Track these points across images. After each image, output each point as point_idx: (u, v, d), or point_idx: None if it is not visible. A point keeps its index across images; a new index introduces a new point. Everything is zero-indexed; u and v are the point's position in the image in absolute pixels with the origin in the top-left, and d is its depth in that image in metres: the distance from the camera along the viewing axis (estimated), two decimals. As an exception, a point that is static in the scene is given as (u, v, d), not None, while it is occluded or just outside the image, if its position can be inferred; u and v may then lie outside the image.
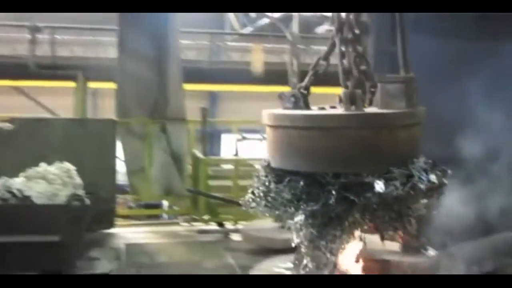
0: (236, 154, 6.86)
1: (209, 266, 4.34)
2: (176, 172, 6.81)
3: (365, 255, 3.26)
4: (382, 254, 3.36)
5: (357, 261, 3.23)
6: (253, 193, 3.06)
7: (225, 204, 6.44)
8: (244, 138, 6.83)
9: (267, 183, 2.97)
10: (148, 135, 6.61)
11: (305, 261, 3.00)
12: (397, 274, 2.84)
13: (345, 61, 2.95)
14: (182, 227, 6.47)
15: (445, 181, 2.90)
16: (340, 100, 2.87)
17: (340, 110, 2.87)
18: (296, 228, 2.94)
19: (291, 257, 3.80)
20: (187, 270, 4.19)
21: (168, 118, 6.82)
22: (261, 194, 2.99)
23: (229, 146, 7.83)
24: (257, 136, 6.85)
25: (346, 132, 2.78)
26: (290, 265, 3.70)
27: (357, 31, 2.99)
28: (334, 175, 2.79)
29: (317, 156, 2.82)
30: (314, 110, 3.03)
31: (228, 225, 6.26)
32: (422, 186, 2.75)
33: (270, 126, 3.00)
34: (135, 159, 6.75)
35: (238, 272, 4.12)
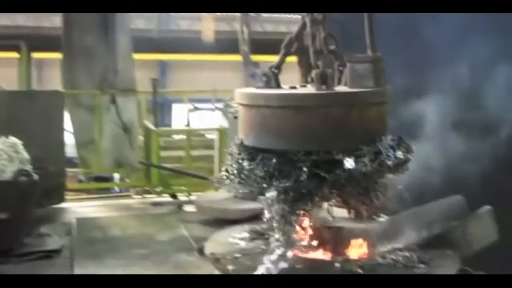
0: (188, 125, 6.80)
1: (163, 238, 4.33)
2: (127, 144, 6.72)
3: (320, 223, 3.33)
4: (335, 222, 3.43)
5: (312, 228, 3.29)
6: (227, 170, 3.12)
7: (178, 175, 6.42)
8: (195, 108, 6.78)
9: (240, 161, 3.06)
10: (97, 106, 6.47)
11: (276, 236, 3.07)
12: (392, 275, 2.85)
13: (316, 42, 3.02)
14: (135, 200, 6.43)
15: (410, 156, 3.00)
16: (312, 80, 2.95)
17: (311, 89, 2.95)
18: (267, 204, 3.01)
19: (246, 227, 3.84)
20: (140, 243, 4.17)
21: (117, 89, 6.68)
22: (235, 172, 3.07)
23: (181, 116, 7.75)
24: (209, 106, 6.81)
25: (317, 111, 2.88)
26: (246, 235, 3.73)
27: (321, 16, 3.05)
28: (306, 153, 2.89)
29: (289, 135, 2.92)
30: (286, 89, 3.11)
31: (182, 197, 6.26)
32: (389, 163, 2.85)
33: (244, 105, 3.07)
34: (84, 131, 6.62)
35: (193, 243, 4.12)
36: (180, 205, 5.51)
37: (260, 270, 3.17)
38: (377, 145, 2.89)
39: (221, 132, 6.54)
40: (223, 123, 6.69)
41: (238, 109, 3.18)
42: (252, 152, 3.04)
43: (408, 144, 3.02)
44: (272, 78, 3.16)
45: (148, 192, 6.55)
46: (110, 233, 4.52)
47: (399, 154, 2.92)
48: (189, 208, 5.29)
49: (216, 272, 3.43)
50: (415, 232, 3.36)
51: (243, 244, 3.62)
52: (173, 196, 6.15)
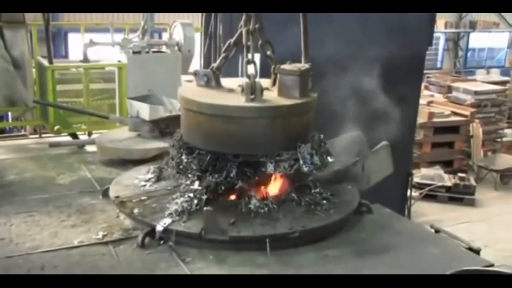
0: (85, 60, 6.56)
1: (64, 181, 4.25)
2: (19, 81, 6.39)
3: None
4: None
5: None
6: (168, 161, 3.60)
7: (76, 113, 6.24)
8: (92, 42, 6.52)
9: (179, 154, 3.48)
10: (-18, 41, 6.06)
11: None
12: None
13: (249, 54, 3.39)
14: (31, 140, 6.21)
15: (329, 159, 3.43)
16: (242, 90, 3.31)
17: (241, 99, 3.32)
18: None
19: (151, 168, 3.85)
20: (40, 187, 4.08)
21: (3, 20, 6.28)
22: (174, 163, 3.50)
23: (78, 47, 7.44)
24: (107, 40, 6.57)
25: (244, 120, 3.31)
26: (150, 176, 3.76)
27: (258, 25, 3.43)
28: (234, 155, 3.32)
29: (219, 139, 3.33)
30: (222, 93, 3.51)
31: (82, 136, 6.11)
32: (305, 169, 3.27)
33: (183, 106, 3.51)
34: (-30, 69, 6.21)
35: (96, 186, 4.09)
36: (80, 145, 5.39)
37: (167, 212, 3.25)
38: (296, 152, 3.28)
39: (120, 67, 6.38)
40: (122, 58, 6.51)
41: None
42: (190, 147, 3.44)
43: (328, 149, 3.43)
44: (213, 78, 3.58)
45: (46, 132, 6.34)
46: (5, 177, 4.36)
47: (316, 160, 3.31)
48: (90, 148, 5.19)
49: (121, 216, 3.45)
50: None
51: (148, 186, 3.67)
52: (73, 135, 5.99)
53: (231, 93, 3.47)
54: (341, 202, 3.46)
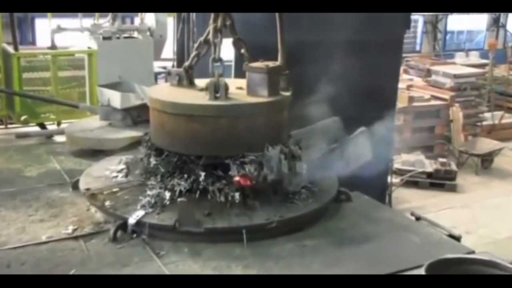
0: (53, 46, 6.45)
1: (32, 173, 4.17)
2: (-17, 69, 6.27)
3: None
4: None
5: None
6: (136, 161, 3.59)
7: (44, 103, 6.14)
8: (60, 28, 6.41)
9: (147, 156, 3.47)
10: None
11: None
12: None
13: (216, 50, 3.37)
14: (-3, 131, 6.10)
15: (300, 169, 3.33)
16: (206, 88, 3.28)
17: (205, 98, 3.28)
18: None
19: (123, 158, 3.79)
20: (6, 180, 4.00)
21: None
22: (142, 165, 3.50)
23: (45, 33, 7.32)
24: (76, 26, 6.47)
25: (207, 120, 3.24)
26: (122, 166, 3.70)
27: (229, 22, 3.44)
28: (197, 156, 3.26)
29: (182, 139, 3.29)
30: (190, 94, 3.45)
31: (50, 126, 6.02)
32: (270, 177, 3.19)
33: (150, 107, 3.48)
34: None
35: (66, 177, 4.02)
36: (49, 136, 5.29)
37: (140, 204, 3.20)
38: (264, 154, 3.18)
39: (90, 54, 6.29)
40: (92, 44, 6.41)
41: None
42: (158, 149, 3.42)
43: (299, 156, 3.35)
44: (185, 77, 3.58)
45: (12, 122, 6.23)
46: (-30, 170, 4.27)
47: (284, 166, 3.23)
48: (59, 139, 5.10)
49: (92, 209, 3.40)
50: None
51: (120, 177, 3.60)
52: (41, 125, 5.90)
53: (200, 92, 3.41)
54: (319, 190, 3.44)
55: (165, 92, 3.55)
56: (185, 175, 3.26)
